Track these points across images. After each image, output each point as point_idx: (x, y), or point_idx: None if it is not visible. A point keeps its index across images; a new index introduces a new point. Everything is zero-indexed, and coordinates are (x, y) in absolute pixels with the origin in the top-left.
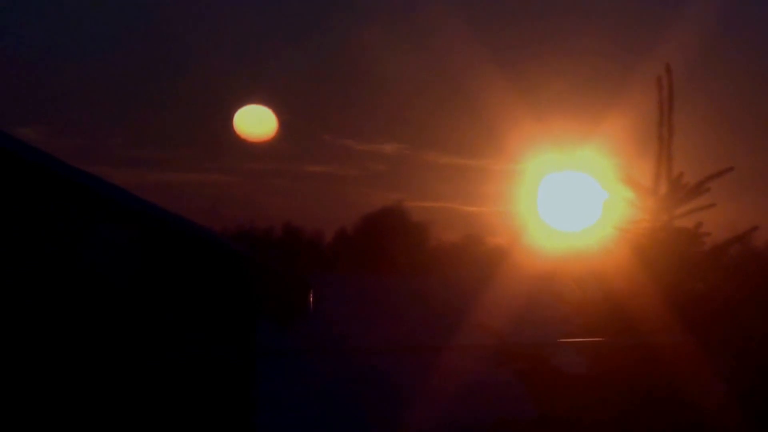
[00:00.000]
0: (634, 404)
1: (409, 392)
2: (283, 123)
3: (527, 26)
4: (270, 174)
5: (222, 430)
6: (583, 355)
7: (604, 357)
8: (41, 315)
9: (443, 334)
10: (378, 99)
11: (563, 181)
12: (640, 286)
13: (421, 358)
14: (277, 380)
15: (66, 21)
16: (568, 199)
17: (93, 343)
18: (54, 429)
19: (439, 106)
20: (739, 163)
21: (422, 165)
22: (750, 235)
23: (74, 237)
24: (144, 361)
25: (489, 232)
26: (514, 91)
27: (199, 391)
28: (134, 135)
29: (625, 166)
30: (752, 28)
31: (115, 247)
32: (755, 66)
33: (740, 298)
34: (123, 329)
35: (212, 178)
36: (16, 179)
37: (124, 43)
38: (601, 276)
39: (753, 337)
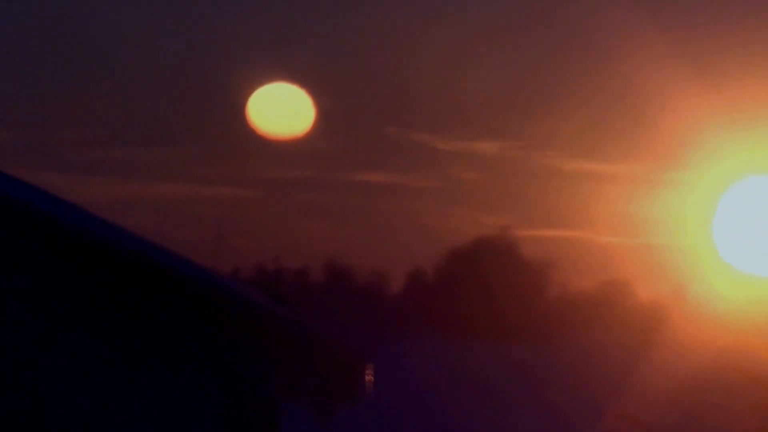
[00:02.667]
0: None
1: None
2: (323, 111)
3: None
4: (303, 186)
5: None
6: None
7: None
8: None
9: None
10: (469, 75)
11: (755, 199)
12: None
13: None
14: None
15: None
16: (762, 226)
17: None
18: None
19: (562, 85)
20: None
21: (537, 172)
22: None
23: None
24: None
25: (639, 275)
26: (680, 69)
27: None
28: (104, 129)
29: None
30: None
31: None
32: None
33: None
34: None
35: (219, 192)
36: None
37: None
38: None
39: None
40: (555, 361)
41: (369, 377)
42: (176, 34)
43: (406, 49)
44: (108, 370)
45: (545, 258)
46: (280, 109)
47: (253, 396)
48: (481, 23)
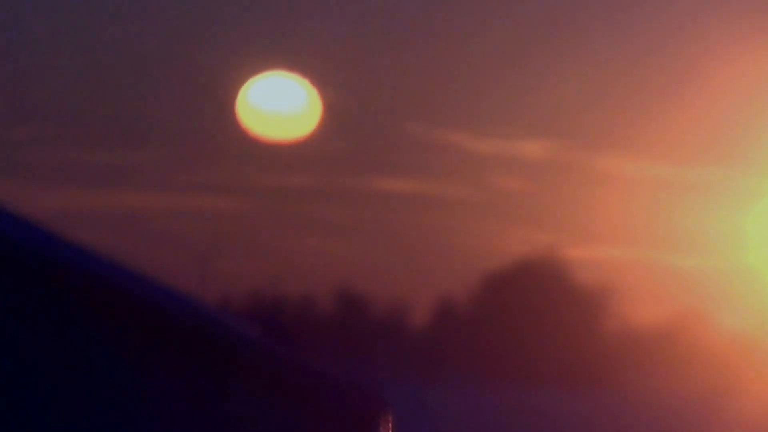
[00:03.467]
0: None
1: None
2: (330, 106)
3: None
4: (308, 196)
5: None
6: None
7: None
8: None
9: None
10: (507, 60)
11: None
12: None
13: None
14: None
15: None
16: None
17: None
18: None
19: (623, 73)
20: None
21: (592, 178)
22: None
23: None
24: None
25: (718, 305)
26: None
27: None
28: (63, 128)
29: None
30: None
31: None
32: None
33: None
34: None
35: (205, 203)
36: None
37: None
38: None
39: None
40: (612, 412)
41: (386, 427)
42: (152, 16)
43: (429, 29)
44: (86, 411)
45: (602, 283)
46: (279, 105)
47: None
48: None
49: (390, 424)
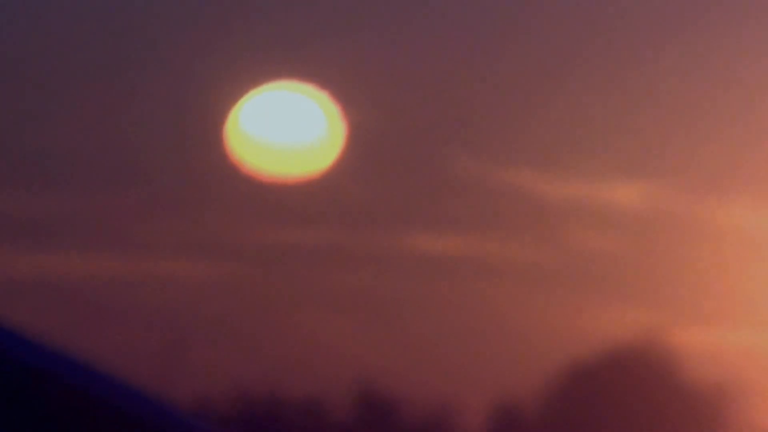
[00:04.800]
0: None
1: None
2: (355, 131)
3: None
4: (318, 256)
5: None
6: None
7: None
8: None
9: None
10: (589, 77)
11: None
12: None
13: None
14: None
15: None
16: None
17: None
18: None
19: (742, 88)
20: None
21: (708, 233)
22: None
23: None
24: None
25: None
26: None
27: None
28: None
29: None
30: None
31: None
32: None
33: None
34: None
35: (181, 267)
36: None
37: None
38: None
39: None
40: None
41: None
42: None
43: (484, 36)
44: None
45: (723, 376)
46: (282, 130)
47: None
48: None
49: None
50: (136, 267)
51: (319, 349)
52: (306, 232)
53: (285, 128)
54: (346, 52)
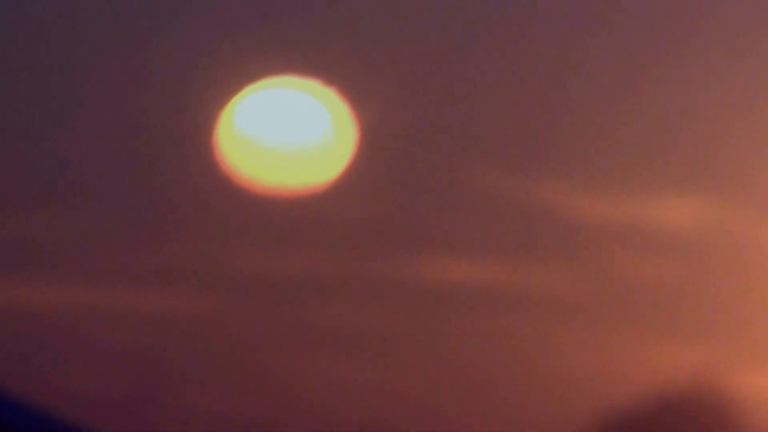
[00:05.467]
0: None
1: None
2: (370, 138)
3: None
4: (324, 289)
5: None
6: None
7: None
8: None
9: None
10: (634, 76)
11: None
12: None
13: None
14: None
15: None
16: None
17: None
18: None
19: None
20: None
21: None
22: None
23: None
24: None
25: None
26: None
27: None
28: None
29: None
30: None
31: None
32: None
33: None
34: None
35: (160, 300)
36: None
37: None
38: None
39: None
40: None
41: None
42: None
43: (520, 33)
44: None
45: None
46: (281, 134)
47: None
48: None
49: None
50: (103, 298)
51: (317, 395)
52: (307, 256)
53: (284, 132)
54: (357, 40)
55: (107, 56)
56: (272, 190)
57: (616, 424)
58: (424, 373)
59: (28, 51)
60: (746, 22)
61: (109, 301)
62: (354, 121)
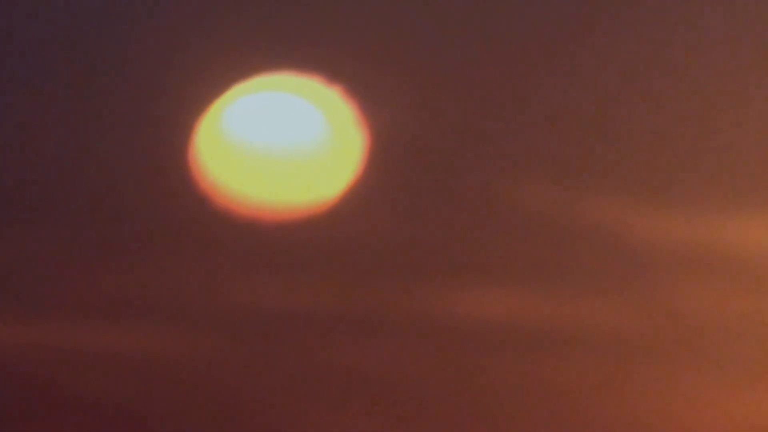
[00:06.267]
0: None
1: None
2: (382, 145)
3: None
4: (327, 330)
5: None
6: None
7: None
8: None
9: None
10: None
11: None
12: None
13: None
14: None
15: None
16: None
17: None
18: None
19: None
20: None
21: None
22: None
23: None
24: None
25: None
26: None
27: None
28: None
29: None
30: None
31: None
32: None
33: None
34: None
35: (134, 340)
36: None
37: None
38: None
39: None
40: None
41: None
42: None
43: (562, 26)
44: None
45: None
46: (276, 136)
47: None
48: None
49: None
50: (58, 336)
51: None
52: (308, 288)
53: (278, 141)
54: (365, 32)
55: (67, 46)
56: (265, 210)
57: None
58: (454, 425)
59: None
60: None
61: (65, 339)
62: (363, 126)
